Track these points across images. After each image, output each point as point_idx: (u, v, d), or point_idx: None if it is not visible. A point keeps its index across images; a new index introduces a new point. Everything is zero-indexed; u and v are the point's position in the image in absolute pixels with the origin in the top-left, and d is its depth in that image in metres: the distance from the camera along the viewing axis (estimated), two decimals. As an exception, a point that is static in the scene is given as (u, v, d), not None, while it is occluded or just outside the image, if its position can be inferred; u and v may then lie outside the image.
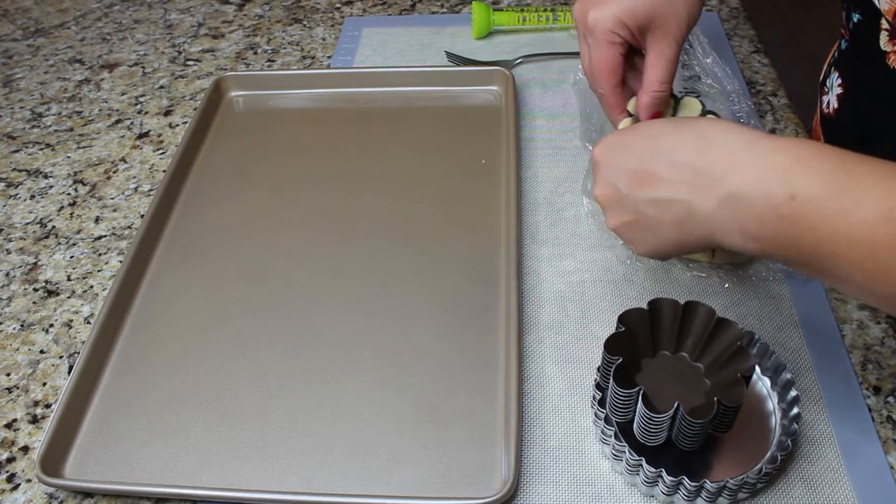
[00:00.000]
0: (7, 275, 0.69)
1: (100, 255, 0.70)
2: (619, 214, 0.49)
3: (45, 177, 0.79)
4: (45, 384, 0.60)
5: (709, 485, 0.46)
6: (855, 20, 0.64)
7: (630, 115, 0.57)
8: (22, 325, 0.64)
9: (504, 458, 0.51)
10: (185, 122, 0.84)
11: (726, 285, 0.61)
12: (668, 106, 0.57)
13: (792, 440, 0.48)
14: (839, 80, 0.69)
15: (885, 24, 0.59)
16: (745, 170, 0.41)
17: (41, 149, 0.83)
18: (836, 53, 0.70)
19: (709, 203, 0.43)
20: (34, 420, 0.58)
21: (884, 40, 0.60)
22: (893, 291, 0.38)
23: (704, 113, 0.57)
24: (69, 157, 0.81)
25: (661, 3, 0.54)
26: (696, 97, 0.57)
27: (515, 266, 0.62)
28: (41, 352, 0.62)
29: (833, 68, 0.71)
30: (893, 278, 0.37)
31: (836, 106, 0.70)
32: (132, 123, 0.85)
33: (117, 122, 0.86)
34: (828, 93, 0.72)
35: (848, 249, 0.38)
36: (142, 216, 0.72)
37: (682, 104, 0.58)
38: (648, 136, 0.48)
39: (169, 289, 0.65)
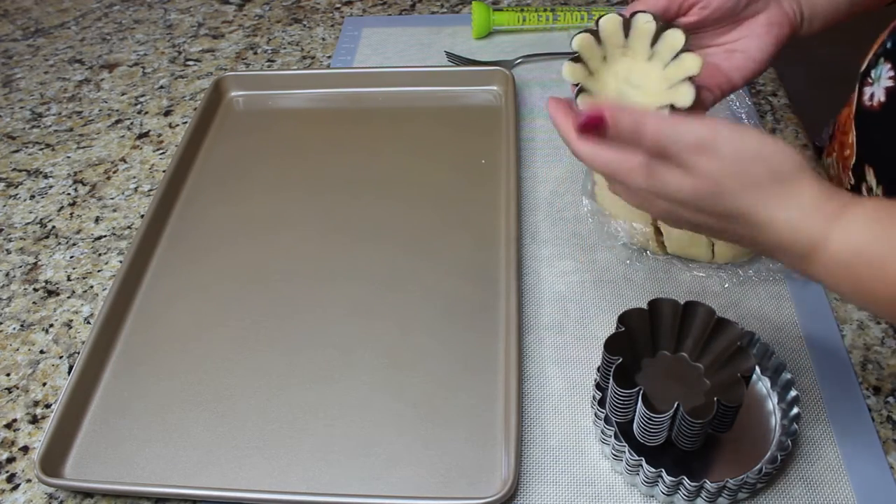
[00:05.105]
0: (7, 275, 0.69)
1: (100, 255, 0.70)
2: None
3: (45, 177, 0.79)
4: (45, 384, 0.60)
5: (709, 485, 0.46)
6: None
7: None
8: (22, 325, 0.64)
9: (504, 458, 0.51)
10: (185, 122, 0.84)
11: (726, 285, 0.61)
12: (649, 35, 0.55)
13: (792, 440, 0.48)
14: (891, 73, 0.65)
15: None
16: (816, 268, 0.42)
17: (41, 149, 0.83)
18: (889, 43, 0.67)
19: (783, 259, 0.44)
20: (34, 420, 0.57)
21: None
22: None
23: (686, 49, 0.55)
24: (69, 157, 0.81)
25: None
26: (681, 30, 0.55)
27: (515, 266, 0.62)
28: (41, 352, 0.62)
29: (883, 59, 0.67)
30: None
31: (882, 99, 0.66)
32: (132, 123, 0.85)
33: (117, 122, 0.86)
34: (872, 84, 0.68)
35: None
36: (142, 216, 0.72)
37: (664, 35, 0.56)
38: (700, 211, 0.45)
39: (169, 289, 0.65)
